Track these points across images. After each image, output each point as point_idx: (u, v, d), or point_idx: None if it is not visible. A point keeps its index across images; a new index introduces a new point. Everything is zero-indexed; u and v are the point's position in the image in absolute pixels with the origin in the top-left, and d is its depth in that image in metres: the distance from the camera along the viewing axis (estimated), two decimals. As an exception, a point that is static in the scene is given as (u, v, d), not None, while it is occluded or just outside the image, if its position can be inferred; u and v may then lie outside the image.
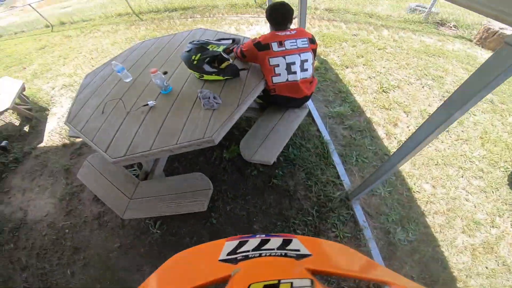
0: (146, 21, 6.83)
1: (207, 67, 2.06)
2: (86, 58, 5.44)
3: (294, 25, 2.48)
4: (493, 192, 2.59)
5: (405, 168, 2.73)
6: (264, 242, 0.73)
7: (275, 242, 0.73)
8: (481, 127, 3.10)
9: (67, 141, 3.48)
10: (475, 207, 2.49)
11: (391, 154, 1.68)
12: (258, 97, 2.43)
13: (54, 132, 3.70)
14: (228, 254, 0.69)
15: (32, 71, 5.49)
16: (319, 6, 6.23)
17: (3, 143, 3.51)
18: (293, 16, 2.19)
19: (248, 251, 0.68)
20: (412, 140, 1.40)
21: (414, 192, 2.59)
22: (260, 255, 0.65)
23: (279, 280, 0.48)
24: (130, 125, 1.89)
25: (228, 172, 2.78)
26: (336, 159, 2.74)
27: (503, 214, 2.45)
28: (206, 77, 2.13)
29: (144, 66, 2.53)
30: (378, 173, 1.85)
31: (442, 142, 2.94)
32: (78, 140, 3.44)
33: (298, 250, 0.68)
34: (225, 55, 2.06)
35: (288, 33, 2.02)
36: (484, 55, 4.59)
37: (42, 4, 11.44)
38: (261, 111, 2.52)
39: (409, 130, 3.02)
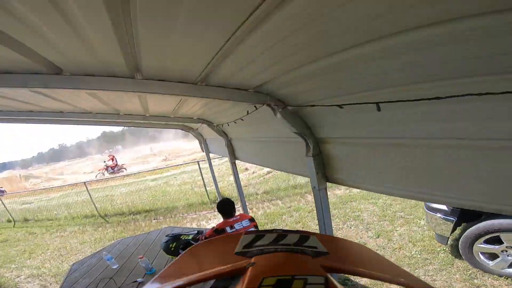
0: (113, 223, 7.53)
1: (181, 252, 2.91)
2: (55, 254, 5.63)
3: (237, 211, 3.27)
4: (450, 267, 3.13)
5: (366, 282, 3.14)
6: (280, 237, 0.73)
7: (291, 238, 0.73)
8: (406, 235, 3.88)
9: None
10: (447, 281, 2.92)
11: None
12: None
13: None
14: (244, 247, 0.69)
15: (-7, 260, 5.42)
16: (258, 191, 8.05)
17: None
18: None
19: (264, 245, 0.68)
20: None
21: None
22: (275, 250, 0.65)
23: (293, 276, 0.48)
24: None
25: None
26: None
27: (476, 276, 2.90)
28: (181, 260, 2.94)
29: (127, 256, 3.22)
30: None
31: (383, 255, 3.43)
32: None
33: (315, 248, 0.67)
34: (193, 242, 2.96)
35: (235, 218, 3.03)
36: None
37: None
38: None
39: None
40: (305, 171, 1.88)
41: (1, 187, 24.67)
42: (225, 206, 3.15)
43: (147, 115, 3.30)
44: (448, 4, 0.57)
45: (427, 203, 3.34)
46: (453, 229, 3.09)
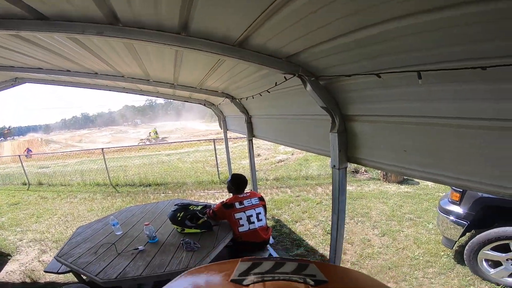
0: (122, 193, 7.64)
1: (187, 223, 2.82)
2: (61, 220, 5.71)
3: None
4: (450, 271, 3.10)
5: None
6: (278, 265, 0.73)
7: (290, 266, 0.72)
8: (411, 236, 3.90)
9: (28, 280, 3.44)
10: (443, 285, 2.88)
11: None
12: (229, 246, 2.98)
13: (14, 272, 3.67)
14: (241, 274, 0.68)
15: (0, 222, 5.62)
16: (268, 177, 7.99)
17: None
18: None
19: (262, 273, 0.67)
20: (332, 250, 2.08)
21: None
22: (273, 278, 0.64)
23: None
24: (121, 262, 2.33)
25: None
26: (299, 288, 3.14)
27: (473, 283, 2.88)
28: (187, 230, 2.82)
29: (133, 224, 3.20)
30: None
31: (386, 254, 3.54)
32: (45, 280, 3.44)
33: (314, 276, 0.67)
34: (200, 215, 2.86)
35: (244, 195, 3.00)
36: (392, 187, 6.15)
37: (16, 159, 11.73)
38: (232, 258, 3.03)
39: (356, 254, 3.65)
40: (326, 150, 1.89)
41: (29, 148, 25.99)
42: (237, 180, 3.09)
43: (175, 84, 3.44)
44: None
45: (441, 205, 3.29)
46: (463, 234, 3.04)
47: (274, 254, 3.66)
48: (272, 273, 0.67)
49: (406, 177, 6.47)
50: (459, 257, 3.27)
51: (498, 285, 2.82)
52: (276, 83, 1.96)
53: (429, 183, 6.12)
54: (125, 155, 16.22)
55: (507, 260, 2.75)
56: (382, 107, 1.36)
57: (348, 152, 1.71)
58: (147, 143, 22.90)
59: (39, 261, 3.96)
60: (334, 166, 1.75)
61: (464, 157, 1.01)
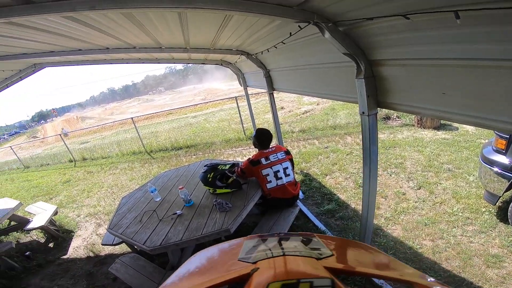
0: (157, 159, 8.10)
1: (218, 183, 2.91)
2: (108, 192, 6.22)
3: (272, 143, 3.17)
4: (491, 230, 2.80)
5: (399, 234, 2.98)
6: (283, 240, 0.75)
7: (294, 240, 0.74)
8: (450, 189, 3.60)
9: (91, 254, 3.82)
10: (483, 245, 2.63)
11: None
12: (259, 204, 3.11)
13: (79, 248, 4.10)
14: (247, 253, 0.70)
15: (59, 201, 6.27)
16: (294, 130, 7.89)
17: (27, 253, 4.04)
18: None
19: (267, 249, 0.69)
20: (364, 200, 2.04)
21: (416, 249, 2.72)
22: (278, 254, 0.65)
23: (298, 280, 0.48)
24: (163, 228, 2.52)
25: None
26: (334, 241, 3.14)
27: None
28: (218, 190, 2.93)
29: (169, 189, 3.40)
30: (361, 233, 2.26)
31: (422, 209, 3.33)
32: (105, 253, 3.80)
33: (319, 249, 0.68)
34: (229, 174, 2.93)
35: (270, 150, 2.98)
36: (427, 134, 5.68)
37: (59, 138, 12.82)
38: (263, 215, 3.12)
39: (390, 208, 3.45)
40: (353, 97, 1.78)
41: (63, 128, 28.05)
42: (262, 135, 3.05)
43: (188, 47, 3.38)
44: None
45: (484, 154, 2.88)
46: (508, 188, 2.63)
47: (305, 210, 3.73)
48: (277, 249, 0.69)
49: (443, 122, 5.96)
50: (502, 215, 2.95)
51: None
52: (290, 33, 1.88)
53: (470, 128, 5.58)
54: (154, 121, 16.97)
55: None
56: (414, 50, 1.23)
57: (378, 97, 1.62)
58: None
59: (97, 234, 4.37)
60: (363, 112, 1.68)
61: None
